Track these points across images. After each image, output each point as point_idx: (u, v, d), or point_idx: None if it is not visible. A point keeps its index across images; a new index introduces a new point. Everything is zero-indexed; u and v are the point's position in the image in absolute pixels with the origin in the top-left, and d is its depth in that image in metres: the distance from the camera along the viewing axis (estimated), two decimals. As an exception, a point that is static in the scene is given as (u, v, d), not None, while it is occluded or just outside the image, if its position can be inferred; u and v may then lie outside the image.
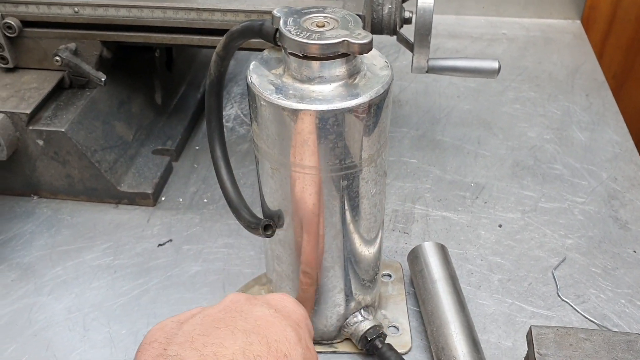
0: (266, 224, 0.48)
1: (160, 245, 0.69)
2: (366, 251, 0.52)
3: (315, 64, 0.42)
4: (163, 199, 0.74)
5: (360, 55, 0.44)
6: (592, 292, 0.62)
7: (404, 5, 0.72)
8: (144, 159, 0.77)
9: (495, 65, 0.72)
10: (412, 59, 0.71)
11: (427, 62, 0.72)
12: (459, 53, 1.00)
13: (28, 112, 0.67)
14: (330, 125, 0.42)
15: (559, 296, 0.62)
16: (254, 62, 0.46)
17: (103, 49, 0.71)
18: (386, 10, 0.70)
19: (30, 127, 0.68)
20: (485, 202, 0.73)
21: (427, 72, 0.73)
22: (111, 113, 0.75)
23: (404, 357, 0.54)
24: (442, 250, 0.62)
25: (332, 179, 0.46)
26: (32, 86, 0.71)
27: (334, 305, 0.54)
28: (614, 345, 0.47)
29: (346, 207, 0.48)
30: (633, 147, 0.81)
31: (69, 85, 0.73)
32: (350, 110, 0.42)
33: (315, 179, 0.45)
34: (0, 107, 0.68)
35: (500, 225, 0.70)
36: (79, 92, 0.73)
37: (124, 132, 0.76)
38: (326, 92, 0.43)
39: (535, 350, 0.46)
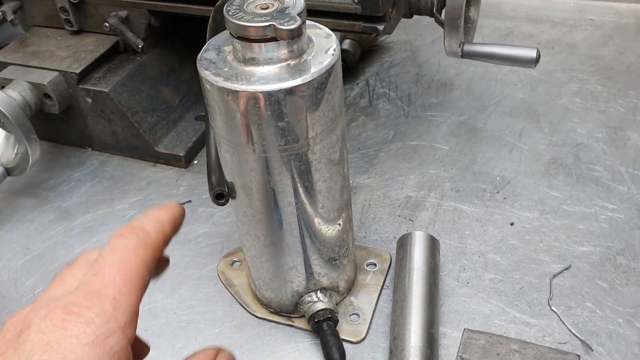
0: (218, 193, 0.50)
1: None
2: (326, 232, 0.53)
3: (253, 46, 0.43)
4: (195, 162, 0.79)
5: (294, 39, 0.44)
6: (587, 306, 0.58)
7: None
8: (186, 123, 0.82)
9: (533, 54, 0.67)
10: (444, 42, 0.69)
11: (461, 46, 0.70)
12: (532, 38, 0.94)
13: (77, 71, 0.75)
14: (263, 106, 0.43)
15: (548, 305, 0.59)
16: (213, 39, 0.48)
17: (151, 17, 0.77)
18: (423, -9, 0.69)
19: (80, 86, 0.76)
20: (505, 198, 0.70)
21: (462, 57, 0.71)
22: (159, 78, 0.81)
23: (344, 344, 0.54)
24: (431, 242, 0.61)
25: (279, 158, 0.46)
26: (89, 48, 0.78)
27: (286, 281, 0.55)
28: (545, 361, 0.44)
29: (299, 187, 0.49)
30: (698, 155, 0.73)
31: (123, 50, 0.80)
32: (285, 91, 0.43)
33: (257, 158, 0.46)
34: (57, 65, 0.76)
35: (512, 224, 0.67)
36: (131, 57, 0.80)
37: (170, 97, 0.82)
38: (261, 73, 0.43)
39: (459, 353, 0.45)
